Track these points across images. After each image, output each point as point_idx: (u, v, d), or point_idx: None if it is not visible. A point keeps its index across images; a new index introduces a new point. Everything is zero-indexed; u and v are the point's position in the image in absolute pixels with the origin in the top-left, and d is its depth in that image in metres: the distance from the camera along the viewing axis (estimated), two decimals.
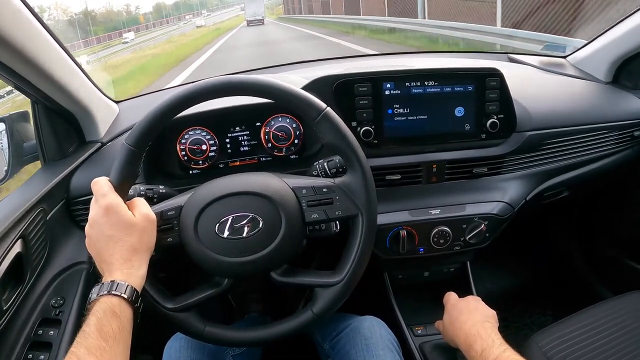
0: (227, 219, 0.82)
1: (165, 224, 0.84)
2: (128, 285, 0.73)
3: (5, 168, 1.15)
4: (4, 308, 0.88)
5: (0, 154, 1.16)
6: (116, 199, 0.78)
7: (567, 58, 1.63)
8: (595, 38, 1.52)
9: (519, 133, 1.22)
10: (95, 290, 0.73)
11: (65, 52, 1.06)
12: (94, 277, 1.10)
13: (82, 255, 1.11)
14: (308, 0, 32.04)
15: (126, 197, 0.81)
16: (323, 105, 0.83)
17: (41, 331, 0.97)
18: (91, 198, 1.10)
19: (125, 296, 0.72)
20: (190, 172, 1.18)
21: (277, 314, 1.54)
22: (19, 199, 1.00)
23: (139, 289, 0.75)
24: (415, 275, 1.35)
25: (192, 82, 1.57)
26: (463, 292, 1.13)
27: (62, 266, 1.07)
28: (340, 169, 0.96)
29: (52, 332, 0.98)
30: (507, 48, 7.28)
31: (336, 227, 0.96)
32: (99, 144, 1.22)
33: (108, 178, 0.81)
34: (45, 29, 0.97)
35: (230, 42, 22.23)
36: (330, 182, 0.86)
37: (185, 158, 1.17)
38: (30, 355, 0.94)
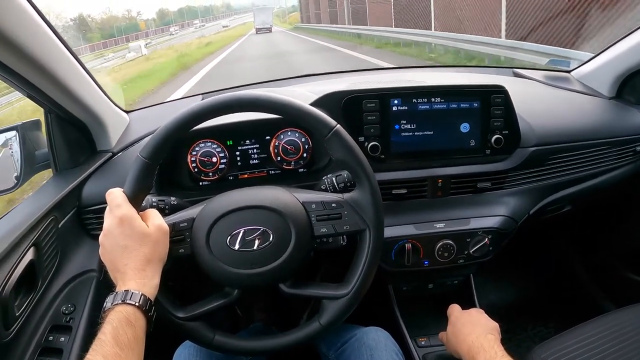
0: (239, 232, 0.84)
1: (178, 235, 0.86)
2: (142, 294, 0.74)
3: (16, 174, 1.16)
4: (17, 314, 0.90)
5: (12, 162, 1.18)
6: (130, 210, 0.80)
7: (572, 73, 1.64)
8: (600, 53, 1.53)
9: (523, 149, 1.24)
10: (109, 299, 0.74)
11: (78, 62, 1.08)
12: (104, 285, 1.11)
13: (92, 263, 1.12)
14: (354, 3, 23.14)
15: (139, 208, 0.83)
16: (333, 122, 0.86)
17: (52, 337, 0.99)
18: (102, 207, 1.12)
19: (140, 305, 0.73)
20: (200, 183, 1.20)
21: (281, 324, 1.56)
22: (31, 207, 1.02)
23: (152, 299, 0.77)
24: (419, 288, 1.37)
25: (200, 94, 1.59)
26: (466, 304, 1.15)
27: (73, 274, 1.09)
28: (348, 184, 0.98)
29: (62, 339, 0.99)
30: (514, 62, 7.29)
31: (343, 240, 0.99)
32: (110, 154, 1.24)
33: (122, 189, 0.83)
34: (59, 39, 0.99)
35: (237, 52, 20.52)
36: (339, 197, 0.88)
37: (196, 170, 1.19)
38: None
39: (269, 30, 36.40)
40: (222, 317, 1.68)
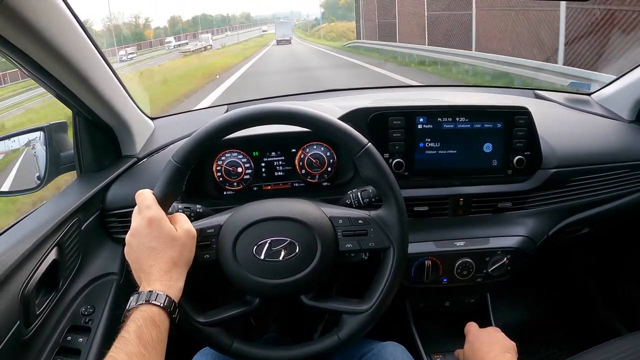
0: (266, 242, 0.85)
1: (204, 240, 0.87)
2: (167, 296, 0.74)
3: (38, 174, 1.18)
4: (37, 312, 0.91)
5: (34, 162, 1.19)
6: (159, 212, 0.81)
7: (592, 95, 1.64)
8: (620, 76, 1.54)
9: (544, 170, 1.25)
10: (133, 299, 0.74)
11: (109, 66, 1.10)
12: (123, 288, 1.13)
13: (113, 266, 1.14)
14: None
15: (167, 212, 0.84)
16: (365, 140, 0.87)
17: (70, 337, 1.00)
18: (125, 211, 1.14)
19: (165, 306, 0.73)
20: (225, 192, 1.21)
21: (294, 335, 1.56)
22: (56, 208, 1.03)
23: (176, 301, 0.77)
24: (436, 304, 1.37)
25: (225, 105, 1.61)
26: (482, 323, 1.15)
27: (94, 275, 1.10)
28: (373, 200, 0.99)
29: (81, 339, 1.00)
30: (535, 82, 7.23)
31: (365, 256, 1.00)
32: (135, 159, 1.25)
33: (152, 191, 0.84)
34: (92, 42, 1.01)
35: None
36: (365, 214, 0.89)
37: (221, 179, 1.20)
38: None
39: (289, 42, 37.50)
40: (237, 327, 1.68)
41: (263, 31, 58.89)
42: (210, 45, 34.80)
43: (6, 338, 0.81)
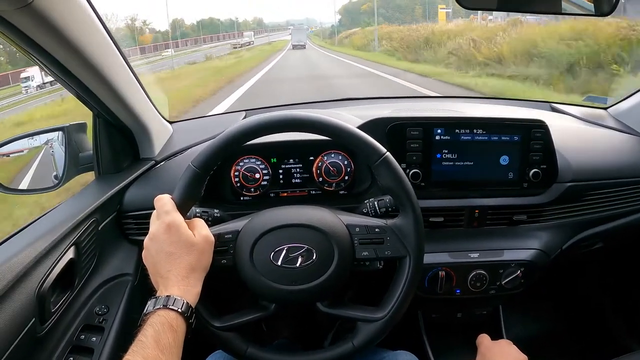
0: (283, 249, 0.86)
1: (222, 246, 0.88)
2: (185, 301, 0.75)
3: (55, 174, 1.19)
4: (52, 310, 0.92)
5: (52, 161, 1.21)
6: (178, 217, 0.81)
7: (608, 110, 1.64)
8: (636, 92, 1.53)
9: (560, 184, 1.24)
10: (151, 303, 0.75)
11: (130, 69, 1.12)
12: (137, 290, 1.14)
13: (128, 267, 1.15)
14: None
15: (186, 217, 0.85)
16: (383, 150, 0.88)
17: (83, 336, 1.01)
18: (142, 214, 1.15)
19: (182, 311, 0.74)
20: (242, 198, 1.22)
21: (306, 341, 1.56)
22: (74, 208, 1.04)
23: (194, 306, 0.77)
24: (448, 316, 1.37)
25: (243, 110, 1.62)
26: (493, 335, 1.14)
27: (109, 276, 1.11)
28: (390, 209, 0.99)
29: (94, 339, 1.01)
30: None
31: (380, 264, 1.00)
32: (153, 162, 1.26)
33: (171, 196, 0.84)
34: (115, 45, 1.03)
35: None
36: (382, 222, 0.90)
37: (238, 184, 1.21)
38: (72, 358, 0.97)
39: (303, 47, 38.78)
40: (248, 332, 1.67)
41: (290, 34, 61.49)
42: (253, 41, 44.68)
43: (21, 334, 0.82)
